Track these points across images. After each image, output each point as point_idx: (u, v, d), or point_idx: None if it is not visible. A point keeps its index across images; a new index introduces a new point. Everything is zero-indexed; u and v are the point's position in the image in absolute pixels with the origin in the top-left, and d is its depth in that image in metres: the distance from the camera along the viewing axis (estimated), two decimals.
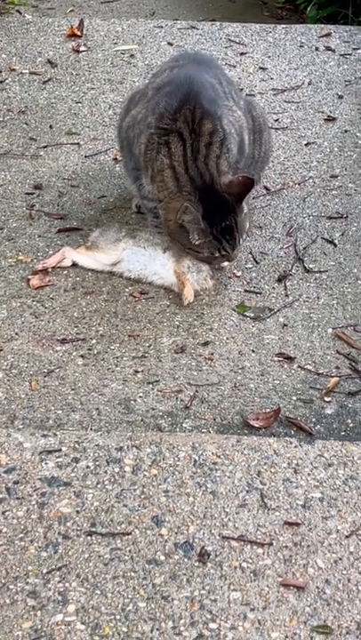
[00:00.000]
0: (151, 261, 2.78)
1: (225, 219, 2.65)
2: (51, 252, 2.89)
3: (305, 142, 3.65)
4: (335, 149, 3.60)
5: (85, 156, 3.49)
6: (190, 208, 2.59)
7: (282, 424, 2.29)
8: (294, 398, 2.39)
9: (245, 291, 2.81)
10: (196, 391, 2.39)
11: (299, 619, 1.72)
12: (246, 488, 1.98)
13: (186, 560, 1.81)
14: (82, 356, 2.50)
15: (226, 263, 2.83)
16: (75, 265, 2.85)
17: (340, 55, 4.38)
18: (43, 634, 1.67)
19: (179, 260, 2.75)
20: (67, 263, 2.85)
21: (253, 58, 4.33)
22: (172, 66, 2.91)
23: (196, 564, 1.81)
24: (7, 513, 1.89)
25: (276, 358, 2.54)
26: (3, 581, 1.75)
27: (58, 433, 2.09)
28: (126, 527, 1.87)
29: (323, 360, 2.53)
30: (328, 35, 4.58)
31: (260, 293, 2.80)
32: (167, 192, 2.67)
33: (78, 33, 4.42)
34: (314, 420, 2.32)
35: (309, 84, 4.12)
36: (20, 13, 4.87)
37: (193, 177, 2.64)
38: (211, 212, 2.62)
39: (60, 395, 2.35)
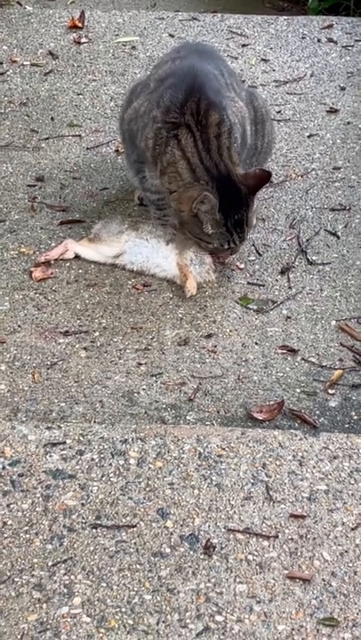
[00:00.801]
0: (154, 254, 2.77)
1: (238, 211, 2.64)
2: (53, 245, 2.89)
3: (307, 134, 3.64)
4: (338, 141, 3.59)
5: (87, 148, 3.48)
6: (210, 197, 2.57)
7: (286, 416, 2.29)
8: (298, 391, 2.38)
9: (248, 283, 2.80)
10: (200, 384, 2.38)
11: (305, 611, 1.72)
12: (251, 480, 1.97)
13: (191, 553, 1.81)
14: (85, 349, 2.49)
15: (230, 257, 2.82)
16: (77, 257, 2.84)
17: (343, 47, 4.36)
18: (48, 626, 1.66)
19: (181, 253, 2.74)
20: (69, 255, 2.84)
21: (255, 49, 4.32)
22: (174, 57, 2.90)
23: (202, 556, 1.81)
24: (12, 505, 1.88)
25: (279, 351, 2.53)
26: (8, 574, 1.75)
27: (62, 425, 2.09)
28: (131, 520, 1.87)
29: (326, 352, 2.53)
30: (330, 26, 4.56)
31: (264, 286, 2.80)
32: (181, 183, 2.66)
33: (79, 24, 4.40)
34: (318, 412, 2.31)
35: (312, 75, 4.10)
36: (21, 5, 4.85)
37: (209, 167, 2.63)
38: (225, 204, 2.61)
39: (63, 387, 2.34)
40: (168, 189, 2.72)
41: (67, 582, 1.74)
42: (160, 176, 2.73)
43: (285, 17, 4.72)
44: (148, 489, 1.94)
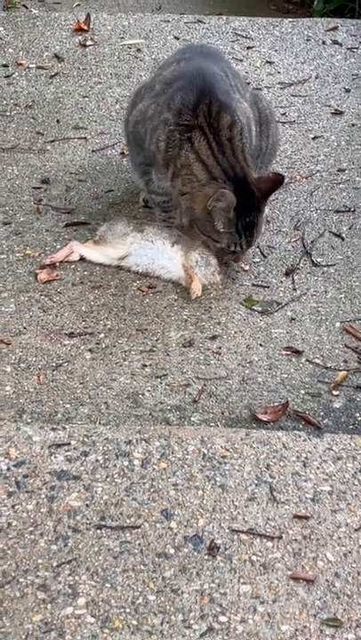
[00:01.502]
0: (159, 255, 2.78)
1: (249, 214, 2.65)
2: (58, 247, 2.89)
3: (312, 136, 3.64)
4: (342, 143, 3.60)
5: (93, 151, 3.49)
6: (227, 194, 2.57)
7: (290, 418, 2.29)
8: (302, 392, 2.39)
9: (253, 285, 2.81)
10: (204, 385, 2.39)
11: (309, 612, 1.72)
12: (255, 481, 1.98)
13: (195, 553, 1.82)
14: (90, 350, 2.50)
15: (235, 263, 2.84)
16: (82, 259, 2.85)
17: (347, 49, 4.37)
18: (53, 627, 1.67)
19: (187, 255, 2.75)
20: (74, 257, 2.85)
21: (260, 52, 4.33)
22: (179, 59, 2.91)
23: (206, 557, 1.81)
24: (17, 506, 1.89)
25: (284, 352, 2.53)
26: (13, 574, 1.76)
27: (67, 427, 2.10)
28: (136, 520, 1.88)
29: (331, 354, 2.53)
30: (335, 28, 4.57)
31: (268, 287, 2.80)
32: (197, 183, 2.66)
33: (85, 27, 4.41)
34: (322, 413, 2.32)
35: (316, 77, 4.11)
36: (27, 8, 4.87)
37: (225, 169, 2.64)
38: (239, 205, 2.61)
39: (68, 389, 2.35)
40: (180, 191, 2.72)
41: (71, 583, 1.75)
42: (172, 179, 2.74)
43: (290, 19, 4.73)
44: (152, 490, 1.95)
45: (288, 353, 2.53)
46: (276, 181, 2.70)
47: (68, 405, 2.29)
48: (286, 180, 3.31)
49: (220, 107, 2.65)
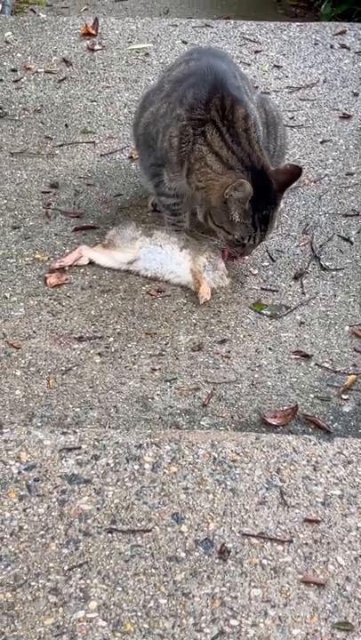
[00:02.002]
0: (168, 260, 2.78)
1: (266, 207, 2.65)
2: (67, 251, 2.90)
3: (320, 140, 3.65)
4: (351, 147, 3.60)
5: (101, 155, 3.50)
6: (245, 184, 2.56)
7: (299, 422, 2.29)
8: (312, 396, 2.39)
9: (262, 289, 2.81)
10: (214, 389, 2.39)
11: (320, 615, 1.72)
12: (266, 485, 1.98)
13: (206, 557, 1.82)
14: (99, 354, 2.50)
15: (246, 257, 2.83)
16: (91, 263, 2.86)
17: (356, 53, 4.37)
18: (65, 630, 1.67)
19: (195, 259, 2.75)
20: (83, 261, 2.85)
21: (268, 56, 4.33)
22: (188, 59, 2.92)
23: (217, 560, 1.81)
24: (28, 510, 1.90)
25: (293, 356, 2.54)
26: (25, 578, 1.76)
27: (77, 430, 2.10)
28: (146, 524, 1.88)
29: (340, 358, 2.53)
30: (343, 32, 4.57)
31: (277, 291, 2.80)
32: (213, 174, 2.66)
33: (93, 32, 4.42)
34: (331, 417, 2.32)
35: (324, 81, 4.11)
36: (35, 12, 4.89)
37: (243, 159, 2.63)
38: (256, 197, 2.60)
39: (77, 393, 2.36)
40: (196, 186, 2.72)
41: (83, 586, 1.75)
42: (187, 175, 2.74)
43: (298, 23, 4.73)
44: (162, 493, 1.95)
45: (297, 357, 2.53)
46: (294, 173, 2.69)
47: (77, 409, 2.30)
48: (295, 184, 3.31)
49: (233, 100, 2.66)
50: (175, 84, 2.81)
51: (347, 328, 2.65)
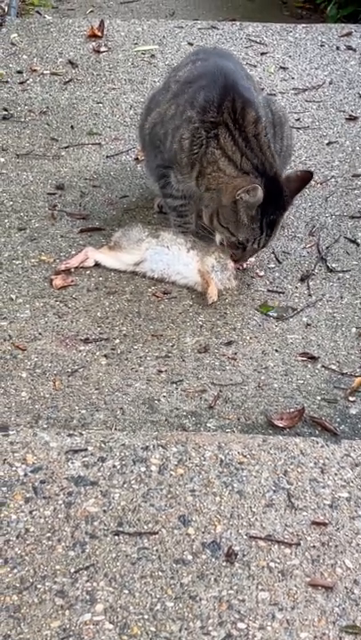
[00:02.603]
0: (175, 261, 2.78)
1: (275, 212, 2.65)
2: (73, 252, 2.90)
3: (327, 142, 3.64)
4: (357, 149, 3.59)
5: (107, 157, 3.50)
6: (258, 191, 2.56)
7: (306, 424, 2.28)
8: (318, 398, 2.38)
9: (268, 290, 2.81)
10: (220, 391, 2.38)
11: (328, 619, 1.71)
12: (273, 488, 1.97)
13: (213, 560, 1.81)
14: (105, 356, 2.50)
15: (244, 263, 2.83)
16: (97, 265, 2.85)
17: None
18: (71, 633, 1.67)
19: (203, 260, 2.74)
20: (89, 263, 2.85)
21: (274, 57, 4.33)
22: (194, 59, 2.91)
23: (224, 563, 1.81)
24: (34, 512, 1.89)
25: (299, 358, 2.53)
26: (31, 580, 1.76)
27: (84, 432, 2.10)
28: (153, 527, 1.87)
29: (347, 360, 2.53)
30: (349, 34, 4.57)
31: (283, 293, 2.80)
32: (227, 177, 2.65)
33: (99, 33, 4.42)
34: (338, 419, 2.31)
35: (330, 83, 4.11)
36: (40, 14, 4.89)
37: (256, 165, 2.63)
38: (266, 202, 2.61)
39: (83, 394, 2.35)
40: (206, 187, 2.71)
41: (89, 589, 1.75)
42: (197, 177, 2.73)
43: (304, 25, 4.73)
44: (169, 496, 1.94)
45: (304, 359, 2.52)
46: (305, 179, 2.70)
47: (83, 411, 2.29)
48: None
49: (244, 103, 2.66)
50: (184, 85, 2.79)
51: (354, 330, 2.64)
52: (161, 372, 2.45)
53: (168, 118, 2.80)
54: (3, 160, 3.42)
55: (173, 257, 2.78)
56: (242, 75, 2.83)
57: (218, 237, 2.78)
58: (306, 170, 2.77)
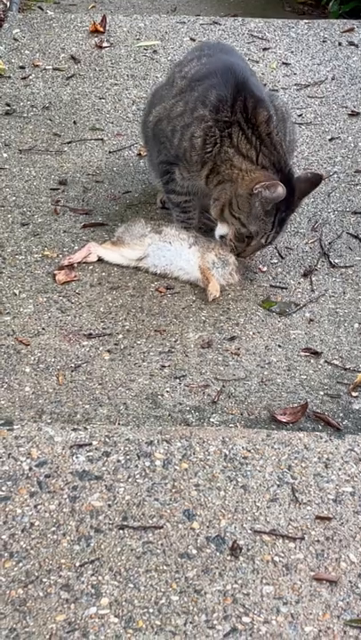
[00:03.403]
0: (177, 257, 2.78)
1: (285, 211, 2.67)
2: (76, 248, 2.90)
3: (329, 137, 3.64)
4: (359, 144, 3.59)
5: (109, 152, 3.49)
6: (279, 189, 2.57)
7: (309, 419, 2.29)
8: (321, 393, 2.38)
9: (271, 286, 2.81)
10: (223, 386, 2.39)
11: (332, 613, 1.72)
12: (277, 482, 1.98)
13: (218, 554, 1.82)
14: (108, 351, 2.50)
15: (249, 258, 2.83)
16: (100, 260, 2.86)
17: None
18: (77, 626, 1.67)
19: (204, 256, 2.74)
20: (92, 258, 2.85)
21: (276, 53, 4.33)
22: (199, 55, 2.89)
23: (228, 557, 1.81)
24: (39, 506, 1.89)
25: (302, 353, 2.53)
26: (36, 574, 1.76)
27: (88, 427, 2.10)
28: (158, 521, 1.88)
29: (350, 355, 2.53)
30: (351, 30, 4.57)
31: (286, 288, 2.80)
32: (243, 172, 2.65)
33: (101, 29, 4.42)
34: (341, 414, 2.31)
35: (333, 79, 4.11)
36: (43, 10, 4.88)
37: (273, 162, 2.65)
38: (281, 200, 2.63)
39: (87, 389, 2.35)
40: (219, 181, 2.71)
41: (94, 583, 1.75)
42: (207, 176, 2.73)
43: (306, 21, 4.73)
44: (173, 490, 1.95)
45: (307, 354, 2.53)
46: (315, 182, 2.73)
47: (87, 406, 2.29)
48: None
49: (256, 102, 2.66)
50: (192, 82, 2.78)
51: (356, 325, 2.65)
52: (164, 367, 2.45)
53: (176, 115, 2.79)
54: (5, 155, 3.42)
55: (175, 253, 2.78)
56: (250, 72, 2.83)
57: (218, 231, 2.77)
58: (316, 172, 2.79)
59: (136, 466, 2.00)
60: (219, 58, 2.83)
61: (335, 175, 3.39)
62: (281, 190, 2.57)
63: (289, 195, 2.63)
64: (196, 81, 2.77)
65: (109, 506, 1.90)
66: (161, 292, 2.75)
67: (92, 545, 1.82)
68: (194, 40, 4.39)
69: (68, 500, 1.91)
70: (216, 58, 2.83)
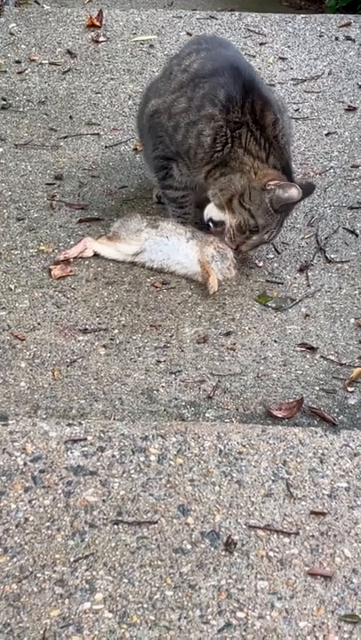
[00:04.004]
0: (174, 251, 2.78)
1: (286, 213, 2.73)
2: (72, 243, 2.90)
3: (325, 132, 3.63)
4: (356, 139, 3.59)
5: (105, 147, 3.49)
6: (294, 192, 2.62)
7: (305, 414, 2.29)
8: (317, 388, 2.38)
9: (267, 281, 2.81)
10: (219, 381, 2.39)
11: (326, 608, 1.72)
12: (272, 477, 1.98)
13: (212, 549, 1.82)
14: (104, 346, 2.50)
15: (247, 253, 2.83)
16: (96, 255, 2.85)
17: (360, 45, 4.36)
18: (70, 621, 1.67)
19: (203, 250, 2.74)
20: (88, 253, 2.85)
21: (273, 48, 4.32)
22: (197, 49, 2.86)
23: (223, 553, 1.81)
24: (34, 502, 1.89)
25: (298, 348, 2.53)
26: (30, 569, 1.76)
27: (83, 422, 2.10)
28: (152, 516, 1.88)
29: (345, 350, 2.53)
30: (348, 24, 4.56)
31: (282, 284, 2.80)
32: (254, 168, 2.67)
33: (97, 23, 4.41)
34: (337, 410, 2.31)
35: (329, 73, 4.10)
36: (39, 4, 4.86)
37: (283, 166, 2.69)
38: None
39: (82, 384, 2.35)
40: (223, 174, 2.71)
41: (88, 578, 1.75)
42: (209, 171, 2.73)
43: (303, 15, 4.72)
44: (168, 485, 1.95)
45: (303, 349, 2.53)
46: (308, 191, 2.77)
47: (82, 401, 2.29)
48: (300, 177, 3.31)
49: (264, 104, 2.67)
50: (196, 77, 2.74)
51: (352, 320, 2.64)
52: (160, 362, 2.45)
53: (179, 111, 2.75)
54: (1, 150, 3.42)
55: (173, 247, 2.77)
56: (251, 67, 2.83)
57: (210, 213, 2.76)
58: (309, 182, 2.85)
59: (131, 461, 2.00)
60: (220, 53, 2.82)
61: (331, 170, 3.38)
62: (295, 192, 2.62)
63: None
64: (200, 77, 2.73)
65: (104, 501, 1.90)
66: (157, 287, 2.75)
67: (86, 540, 1.82)
68: (190, 35, 4.38)
69: (62, 495, 1.91)
70: (217, 52, 2.82)
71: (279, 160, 2.68)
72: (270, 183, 2.63)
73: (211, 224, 2.77)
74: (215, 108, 2.66)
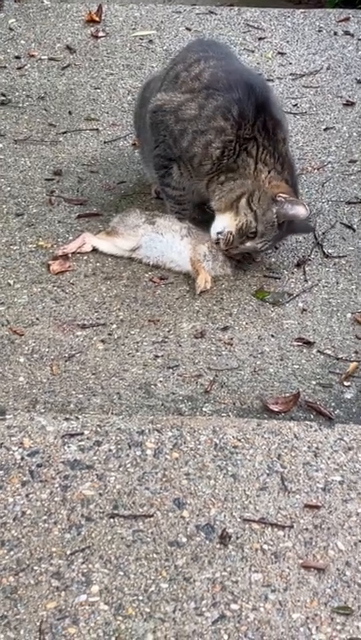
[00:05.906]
0: (168, 249, 2.79)
1: (282, 230, 2.76)
2: (71, 238, 2.91)
3: (324, 127, 3.64)
4: (354, 134, 3.60)
5: (105, 142, 3.50)
6: (302, 209, 2.67)
7: (301, 408, 2.30)
8: (314, 383, 2.40)
9: (264, 276, 2.82)
10: (216, 376, 2.40)
11: (319, 600, 1.74)
12: (267, 471, 1.99)
13: (207, 542, 1.83)
14: (102, 341, 2.51)
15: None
16: (95, 250, 2.87)
17: (359, 40, 4.36)
18: (67, 614, 1.69)
19: (196, 248, 2.75)
20: (87, 249, 2.86)
21: (272, 43, 4.33)
22: (205, 57, 2.84)
23: (218, 545, 1.83)
24: (31, 495, 1.91)
25: (295, 343, 2.55)
26: (27, 562, 1.78)
27: (80, 417, 2.12)
28: (148, 509, 1.90)
29: (342, 345, 2.54)
30: (347, 19, 4.56)
31: (280, 278, 2.81)
32: (268, 177, 2.71)
33: (97, 18, 4.42)
34: (333, 404, 2.33)
35: (328, 68, 4.11)
36: None
37: (294, 185, 2.75)
38: None
39: (80, 379, 2.37)
40: (232, 178, 2.73)
41: (85, 571, 1.77)
42: (210, 179, 2.74)
43: (302, 10, 4.72)
44: (164, 479, 1.96)
45: (299, 344, 2.54)
46: (304, 230, 2.94)
47: (80, 396, 2.31)
48: (298, 172, 3.31)
49: (275, 124, 2.71)
50: (209, 88, 2.73)
51: (349, 315, 2.66)
52: (157, 356, 2.46)
53: (188, 117, 2.73)
54: (0, 146, 3.43)
55: (167, 245, 2.78)
56: (269, 88, 2.89)
57: (218, 226, 2.74)
58: (309, 225, 2.95)
59: (127, 455, 2.01)
60: (232, 65, 2.86)
61: (329, 165, 3.40)
62: (303, 210, 2.66)
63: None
64: (214, 89, 2.72)
65: (100, 495, 1.92)
66: (155, 282, 2.76)
67: (82, 533, 1.84)
68: (190, 30, 4.39)
69: (59, 489, 1.93)
70: (227, 64, 2.84)
71: (291, 177, 2.73)
72: (281, 195, 2.66)
73: (220, 236, 2.76)
74: (227, 122, 2.66)
